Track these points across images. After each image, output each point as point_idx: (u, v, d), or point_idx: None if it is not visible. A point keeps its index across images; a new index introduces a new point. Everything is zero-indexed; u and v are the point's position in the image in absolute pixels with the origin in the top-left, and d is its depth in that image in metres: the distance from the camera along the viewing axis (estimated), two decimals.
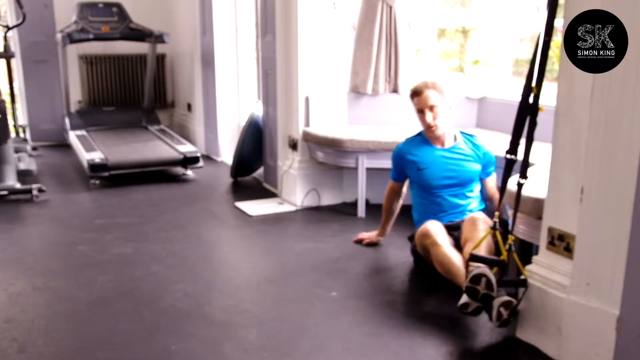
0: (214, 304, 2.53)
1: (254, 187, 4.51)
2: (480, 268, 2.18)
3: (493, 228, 2.26)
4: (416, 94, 2.89)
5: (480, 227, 2.59)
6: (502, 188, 2.25)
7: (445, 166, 2.91)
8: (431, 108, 2.85)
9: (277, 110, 4.08)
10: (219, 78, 5.17)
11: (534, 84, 2.09)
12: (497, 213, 2.26)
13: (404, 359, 2.09)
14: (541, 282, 2.11)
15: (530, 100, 2.12)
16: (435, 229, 2.69)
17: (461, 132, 3.01)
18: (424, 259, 2.77)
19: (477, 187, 2.96)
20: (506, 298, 2.16)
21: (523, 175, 2.16)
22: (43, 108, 5.96)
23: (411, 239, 2.93)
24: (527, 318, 2.18)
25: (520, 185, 2.17)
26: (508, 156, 2.22)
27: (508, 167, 2.23)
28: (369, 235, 3.23)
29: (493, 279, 2.16)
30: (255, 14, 4.85)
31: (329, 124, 3.90)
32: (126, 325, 2.33)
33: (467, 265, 2.44)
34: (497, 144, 3.17)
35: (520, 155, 2.20)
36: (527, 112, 2.13)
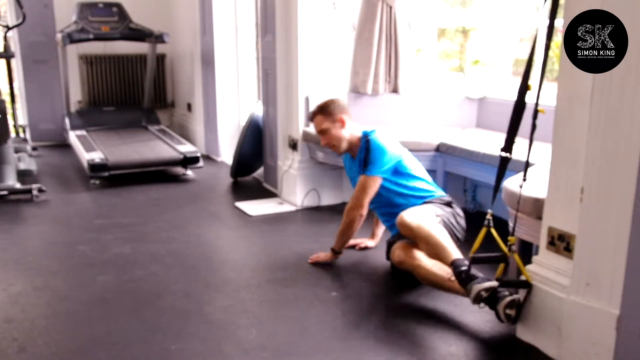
0: (214, 304, 2.53)
1: (254, 187, 4.51)
2: (474, 290, 2.17)
3: (487, 226, 2.23)
4: (310, 119, 3.00)
5: (411, 224, 2.55)
6: (496, 186, 2.24)
7: (357, 178, 2.90)
8: (321, 132, 2.92)
9: (277, 110, 4.09)
10: (219, 78, 5.17)
11: (531, 82, 2.09)
12: (489, 211, 2.25)
13: (403, 359, 2.09)
14: (541, 282, 2.11)
15: (528, 99, 2.12)
16: (403, 252, 2.63)
17: (363, 133, 2.94)
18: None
19: (413, 183, 2.87)
20: (508, 299, 2.16)
21: (524, 177, 2.16)
22: (43, 108, 5.96)
23: (388, 257, 2.88)
24: (527, 318, 2.18)
25: (521, 188, 2.17)
26: (503, 154, 2.21)
27: (502, 166, 2.22)
28: (359, 240, 3.20)
29: (490, 283, 2.17)
30: (255, 14, 4.86)
31: None
32: (126, 325, 2.33)
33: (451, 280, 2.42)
34: (497, 143, 3.16)
35: (514, 154, 2.19)
36: (523, 110, 2.12)
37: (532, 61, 2.09)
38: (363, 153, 2.86)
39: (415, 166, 2.92)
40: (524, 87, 2.10)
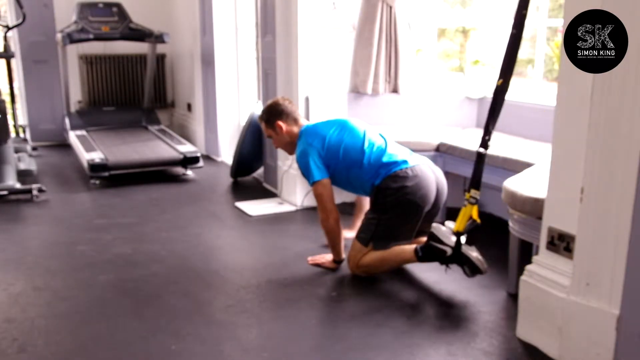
0: (214, 304, 2.53)
1: (254, 187, 4.51)
2: (478, 260, 2.48)
3: (471, 203, 2.45)
4: None
5: (360, 273, 2.79)
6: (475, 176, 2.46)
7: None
8: (269, 137, 3.05)
9: None
10: (219, 78, 5.17)
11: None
12: (473, 190, 2.46)
13: (403, 359, 2.09)
14: (541, 282, 2.11)
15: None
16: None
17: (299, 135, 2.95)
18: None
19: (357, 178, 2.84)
20: (474, 255, 2.46)
21: (483, 144, 2.42)
22: (43, 108, 5.96)
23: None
24: (527, 318, 2.18)
25: (480, 155, 2.43)
26: (479, 150, 2.43)
27: (479, 160, 2.44)
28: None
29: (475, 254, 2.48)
30: (255, 14, 4.85)
31: None
32: (126, 325, 2.33)
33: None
34: (497, 144, 3.16)
35: (490, 150, 2.45)
36: (496, 107, 2.39)
37: (515, 60, 2.21)
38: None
39: (358, 139, 2.82)
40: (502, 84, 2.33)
